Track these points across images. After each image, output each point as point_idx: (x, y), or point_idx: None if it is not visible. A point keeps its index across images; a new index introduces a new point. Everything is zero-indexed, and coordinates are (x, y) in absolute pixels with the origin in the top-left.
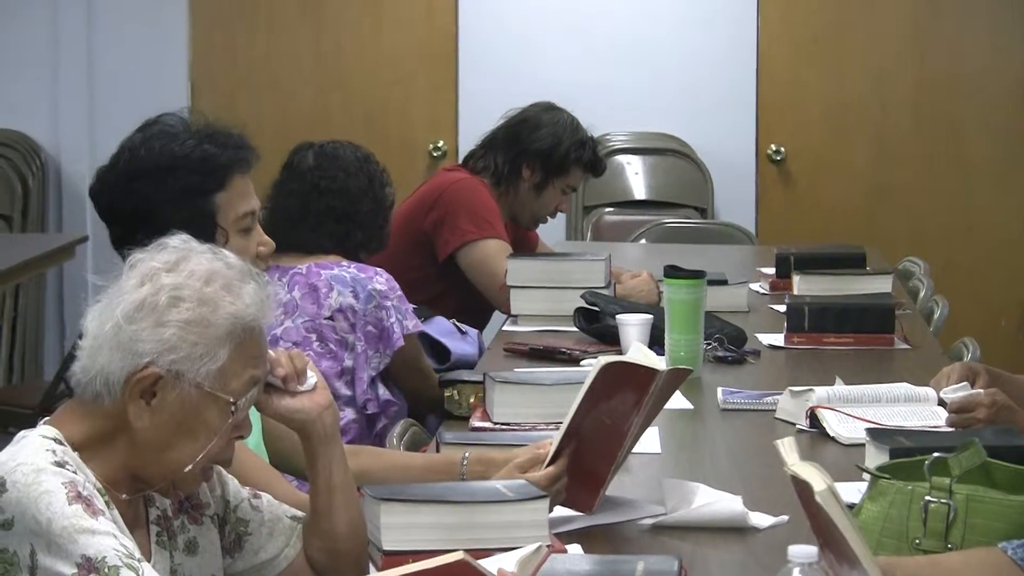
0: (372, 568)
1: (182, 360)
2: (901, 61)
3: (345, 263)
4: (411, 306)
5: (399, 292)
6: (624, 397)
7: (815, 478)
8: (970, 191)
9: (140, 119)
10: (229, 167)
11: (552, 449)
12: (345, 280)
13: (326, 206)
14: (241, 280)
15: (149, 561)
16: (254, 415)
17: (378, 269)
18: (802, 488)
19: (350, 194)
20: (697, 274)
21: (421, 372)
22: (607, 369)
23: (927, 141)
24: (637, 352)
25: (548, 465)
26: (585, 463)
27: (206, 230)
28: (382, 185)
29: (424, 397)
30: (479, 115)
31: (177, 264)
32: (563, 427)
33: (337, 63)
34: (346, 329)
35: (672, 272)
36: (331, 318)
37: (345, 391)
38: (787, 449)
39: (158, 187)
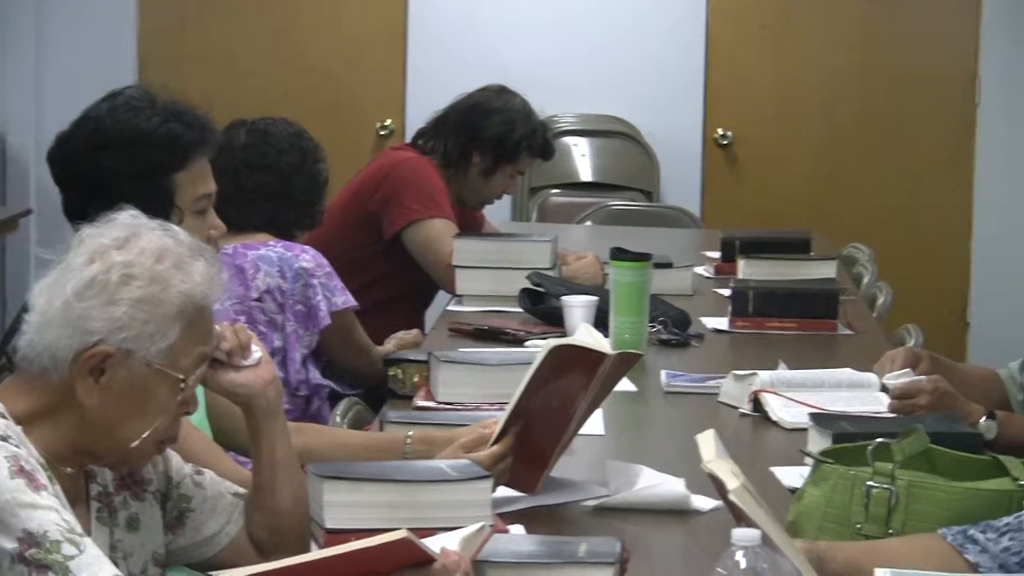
0: (314, 545)
1: (132, 338)
2: (850, 49)
3: (272, 242)
4: (340, 283)
5: (327, 269)
6: (572, 379)
7: (728, 476)
8: (915, 179)
9: (86, 93)
10: (192, 147)
11: (497, 429)
12: (272, 260)
13: (257, 183)
14: (192, 257)
15: (90, 536)
16: (198, 391)
17: (305, 247)
18: (719, 484)
19: (282, 171)
20: (643, 257)
21: (358, 348)
22: (556, 351)
23: (874, 129)
24: (586, 334)
25: (493, 445)
26: (530, 444)
27: (163, 208)
28: (315, 162)
29: (366, 373)
30: (428, 95)
31: (127, 241)
32: (509, 407)
33: (285, 41)
34: (275, 310)
35: (618, 254)
36: (259, 299)
37: (277, 372)
38: (705, 444)
39: (121, 159)
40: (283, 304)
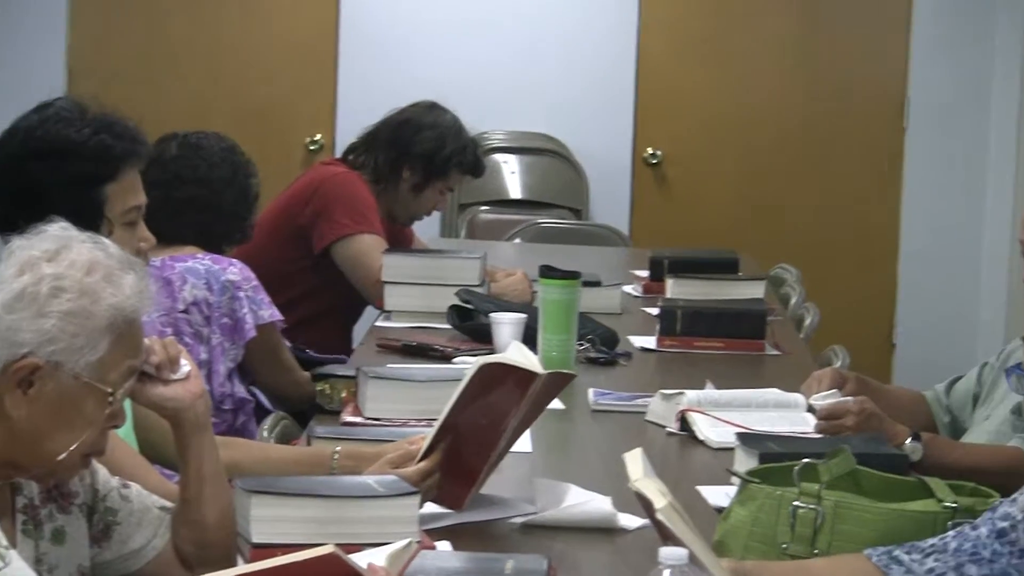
0: (240, 560)
1: (62, 351)
2: (780, 70)
3: (200, 255)
4: (267, 297)
5: (254, 282)
6: (502, 397)
7: (656, 495)
8: (844, 200)
9: (14, 104)
10: (123, 159)
11: (425, 445)
12: (199, 272)
13: (187, 196)
14: (122, 270)
15: (15, 549)
16: (125, 404)
17: (232, 260)
18: (646, 503)
19: (212, 184)
20: (572, 275)
21: (281, 365)
22: (486, 368)
23: (803, 150)
24: (517, 353)
25: (420, 461)
26: (459, 461)
27: (92, 220)
28: (246, 176)
29: (287, 393)
30: (358, 110)
31: (58, 253)
32: (437, 423)
33: (215, 55)
34: (201, 322)
35: (547, 272)
36: (186, 311)
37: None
38: (632, 463)
39: (51, 171)
40: (209, 317)
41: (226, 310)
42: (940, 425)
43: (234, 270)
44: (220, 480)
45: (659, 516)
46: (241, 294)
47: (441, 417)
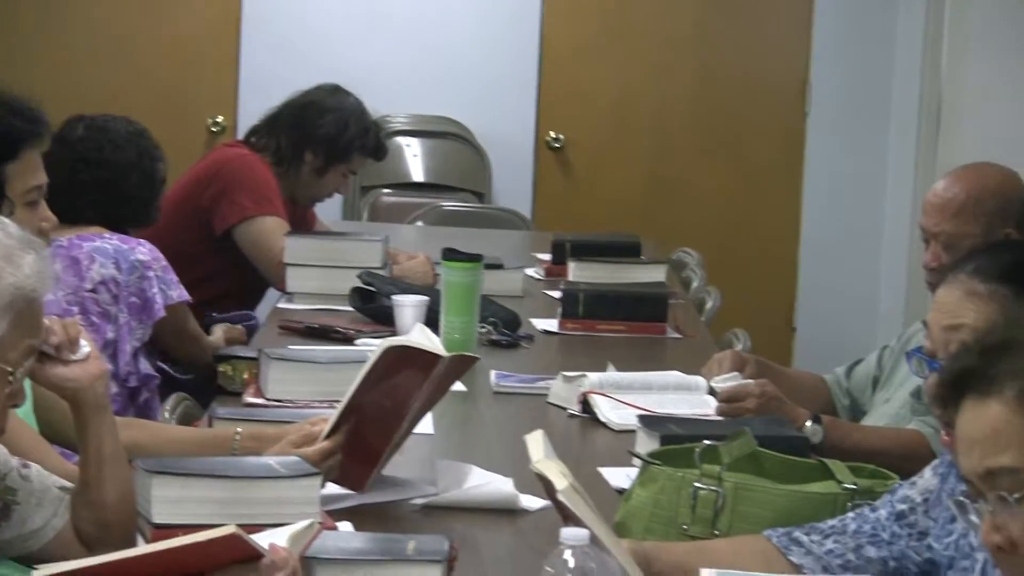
0: (140, 540)
1: None
2: (683, 56)
3: (108, 235)
4: (175, 277)
5: (163, 263)
6: (406, 379)
7: (557, 476)
8: (745, 185)
9: None
10: (23, 139)
11: (328, 426)
12: (107, 252)
13: (91, 178)
14: (22, 250)
15: None
16: (25, 384)
17: (141, 240)
18: (547, 484)
19: (117, 167)
20: (474, 257)
21: (193, 338)
22: (390, 351)
23: (705, 136)
24: (421, 335)
25: (323, 441)
26: (361, 442)
27: None
28: (152, 160)
29: (198, 362)
30: (260, 92)
31: None
32: (341, 405)
33: (117, 35)
34: (108, 301)
35: (449, 255)
36: (94, 290)
37: (107, 364)
38: (534, 445)
39: None
40: (117, 296)
41: (135, 289)
42: (840, 408)
43: (143, 250)
44: (120, 461)
45: (560, 497)
46: (151, 274)
47: (345, 399)
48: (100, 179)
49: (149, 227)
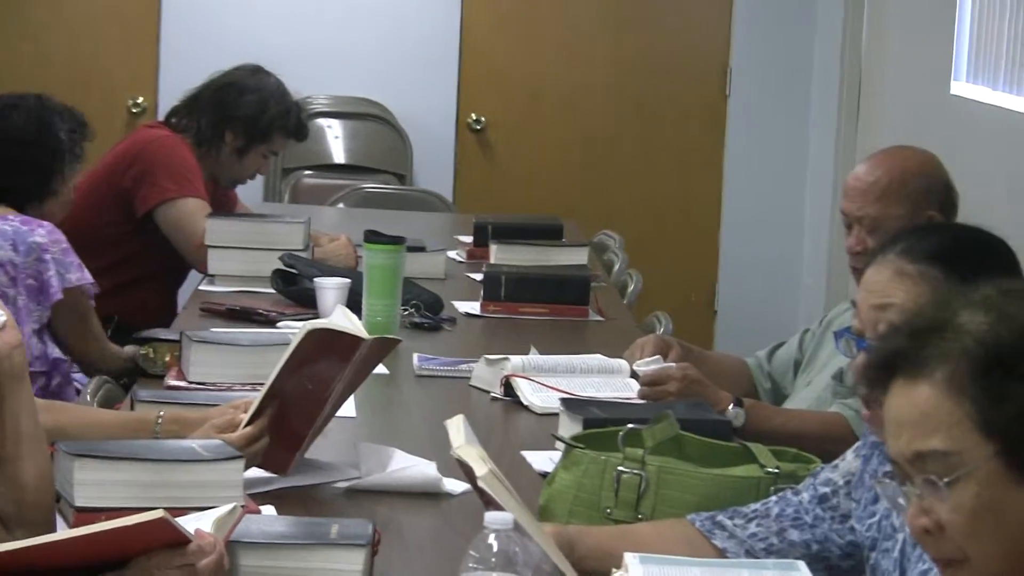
0: (61, 522)
1: None
2: (604, 38)
3: (12, 216)
4: (77, 260)
5: (64, 245)
6: (328, 363)
7: (477, 462)
8: (666, 168)
9: None
10: None
11: (251, 410)
12: (6, 233)
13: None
14: None
15: None
16: None
17: (41, 222)
18: (467, 470)
19: (22, 144)
20: (396, 240)
21: (89, 332)
22: (313, 334)
23: (627, 118)
24: (343, 318)
25: (246, 426)
26: (284, 426)
27: None
28: (58, 138)
29: (95, 363)
30: (181, 73)
31: None
32: (264, 389)
33: (34, 15)
34: (6, 283)
35: (372, 237)
36: None
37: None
38: (455, 430)
39: None
40: (15, 278)
41: (32, 271)
42: (762, 391)
43: (41, 232)
44: (39, 439)
45: (480, 483)
46: (47, 256)
47: (267, 383)
48: (3, 157)
49: (56, 202)
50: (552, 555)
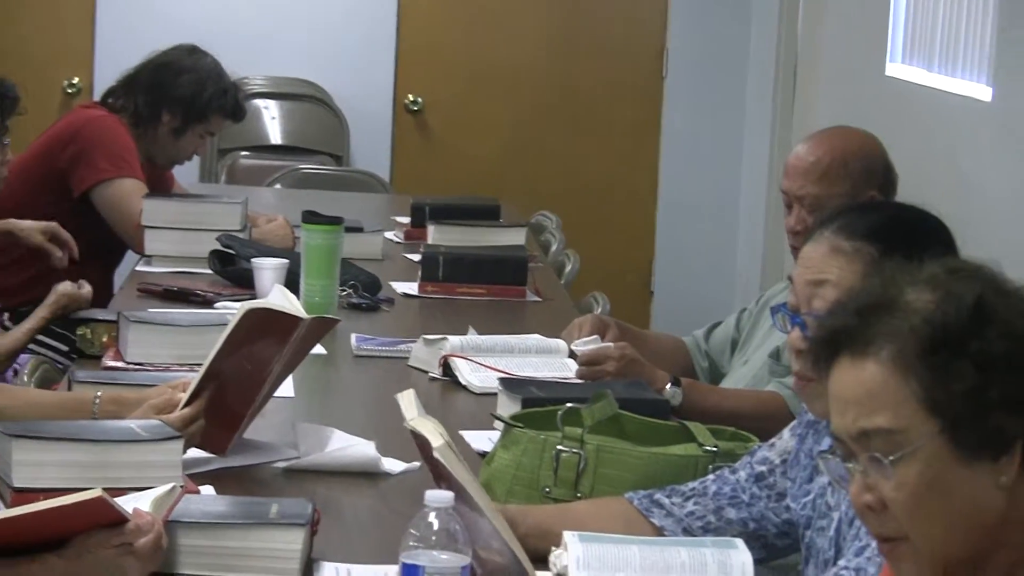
0: (0, 504)
1: None
2: (541, 19)
3: None
4: None
5: None
6: (266, 343)
7: (432, 434)
8: (604, 149)
9: None
10: None
11: (190, 391)
12: None
13: None
14: None
15: None
16: None
17: None
18: (421, 442)
19: None
20: (334, 220)
21: None
22: (251, 314)
23: (564, 99)
24: (281, 297)
25: (185, 407)
26: (222, 406)
27: None
28: None
29: None
30: (117, 53)
31: None
32: (202, 369)
33: None
34: None
35: (310, 217)
36: None
37: None
38: (407, 403)
39: None
40: None
41: None
42: (699, 370)
43: None
44: None
45: (436, 455)
46: None
47: (206, 363)
48: None
49: None
50: (502, 531)
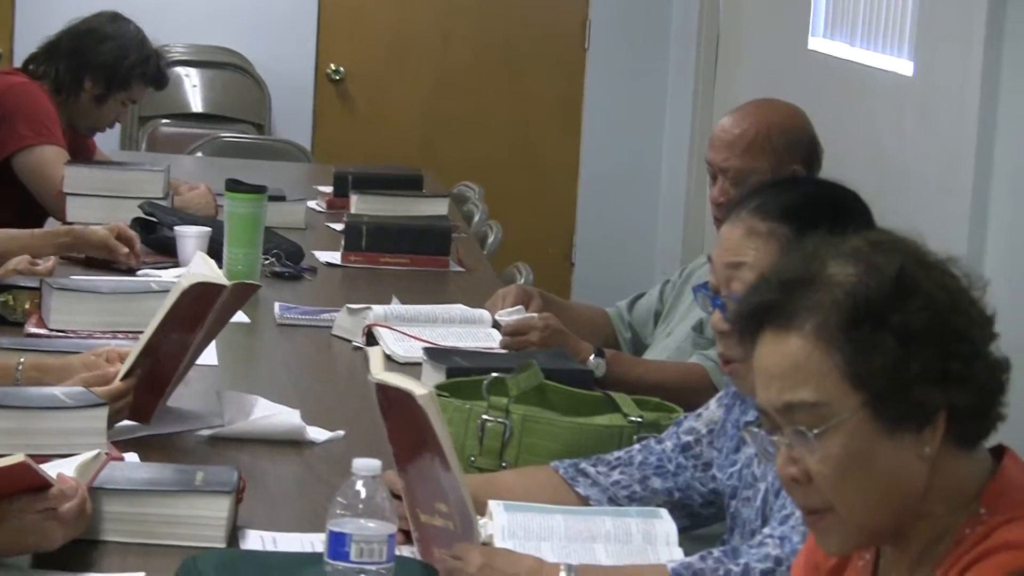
0: None
1: None
2: None
3: None
4: None
5: None
6: (192, 312)
7: (414, 384)
8: (526, 121)
9: None
10: None
11: (126, 365)
12: None
13: None
14: None
15: None
16: None
17: None
18: (392, 395)
19: None
20: (258, 189)
21: None
22: (192, 289)
23: (487, 69)
24: (202, 264)
25: (120, 381)
26: (147, 375)
27: None
28: None
29: None
30: (38, 19)
31: None
32: (139, 345)
33: None
34: None
35: (233, 186)
36: None
37: None
38: (375, 359)
39: None
40: None
41: None
42: (622, 341)
43: None
44: None
45: (420, 403)
46: None
47: (142, 340)
48: None
49: None
50: (464, 492)
